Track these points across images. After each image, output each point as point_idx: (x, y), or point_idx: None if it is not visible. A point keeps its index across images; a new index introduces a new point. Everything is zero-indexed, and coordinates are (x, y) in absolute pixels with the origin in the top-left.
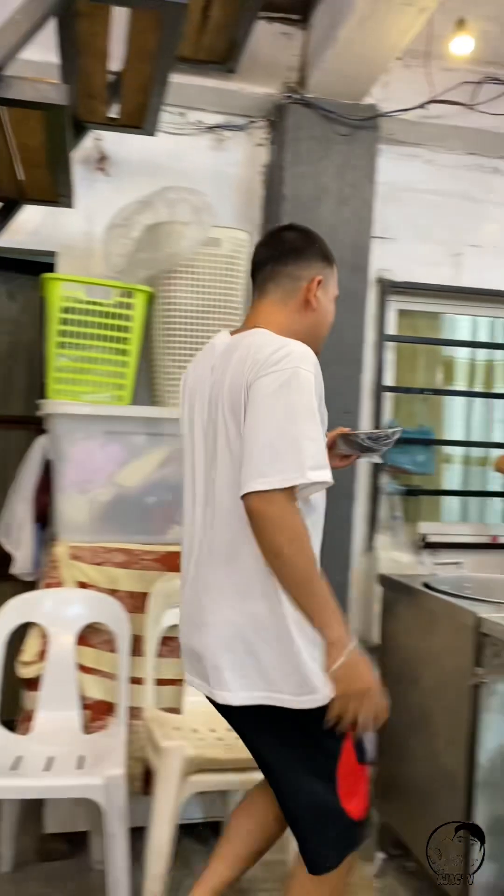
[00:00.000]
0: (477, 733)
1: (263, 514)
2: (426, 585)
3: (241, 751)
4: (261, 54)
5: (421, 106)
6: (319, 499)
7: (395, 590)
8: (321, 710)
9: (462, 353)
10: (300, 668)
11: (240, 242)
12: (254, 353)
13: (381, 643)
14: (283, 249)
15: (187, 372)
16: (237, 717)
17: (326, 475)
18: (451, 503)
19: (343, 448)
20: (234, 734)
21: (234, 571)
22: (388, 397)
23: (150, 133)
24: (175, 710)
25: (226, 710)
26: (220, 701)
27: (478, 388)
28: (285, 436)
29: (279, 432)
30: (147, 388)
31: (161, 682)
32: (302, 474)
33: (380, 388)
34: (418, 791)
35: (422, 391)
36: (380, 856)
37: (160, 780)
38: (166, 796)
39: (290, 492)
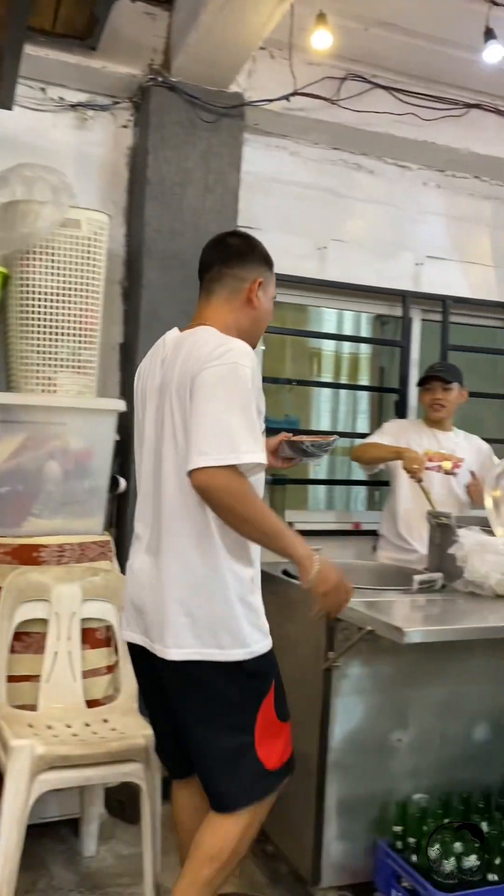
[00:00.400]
0: (329, 717)
1: (208, 486)
2: (285, 573)
3: (97, 745)
4: (124, 33)
5: (285, 98)
6: (257, 483)
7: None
8: (249, 664)
9: (328, 346)
10: (234, 626)
11: (100, 224)
12: (198, 348)
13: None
14: (228, 253)
15: (141, 366)
16: (171, 672)
17: (260, 457)
18: (319, 492)
19: (287, 452)
20: (92, 729)
21: (180, 539)
22: None
23: (7, 107)
24: (31, 708)
25: (161, 667)
26: (160, 655)
27: (343, 380)
28: (223, 422)
29: (218, 418)
30: (2, 372)
31: (14, 679)
32: (237, 456)
33: None
34: None
35: (289, 382)
36: None
37: (8, 779)
38: (15, 796)
39: (233, 469)
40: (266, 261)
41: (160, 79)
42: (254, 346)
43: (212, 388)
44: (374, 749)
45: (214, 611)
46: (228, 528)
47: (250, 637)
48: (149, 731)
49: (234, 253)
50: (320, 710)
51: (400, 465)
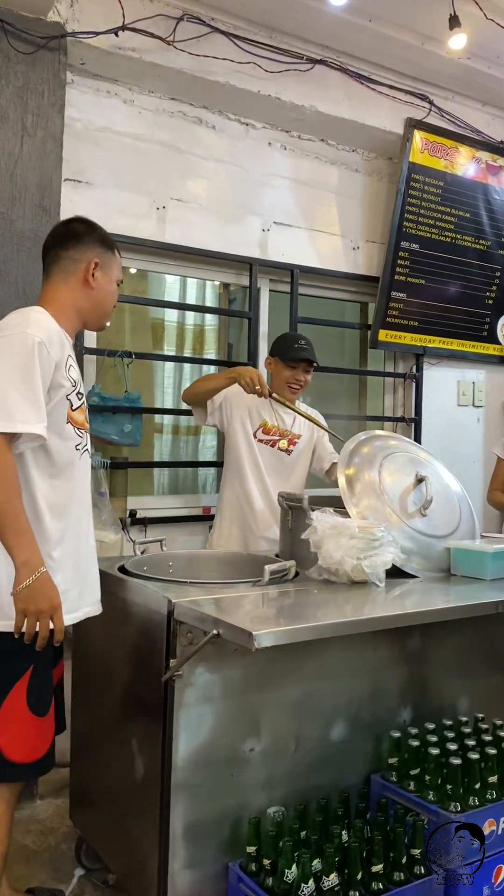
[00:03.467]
0: (172, 732)
1: None
2: (122, 570)
3: None
4: None
5: (113, 32)
6: (67, 455)
7: None
8: (8, 639)
9: (171, 316)
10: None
11: None
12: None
13: (72, 635)
14: (64, 236)
15: None
16: None
17: (36, 428)
18: (164, 475)
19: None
20: None
21: None
22: (91, 361)
23: None
24: None
25: None
26: None
27: (188, 354)
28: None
29: None
30: None
31: None
32: (11, 424)
33: (80, 351)
34: (114, 799)
35: (128, 355)
36: (77, 871)
37: None
38: None
39: (2, 438)
40: (105, 243)
41: None
42: (101, 328)
43: None
44: (223, 762)
45: None
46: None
47: (9, 610)
48: None
49: (70, 235)
50: (161, 727)
51: (235, 422)
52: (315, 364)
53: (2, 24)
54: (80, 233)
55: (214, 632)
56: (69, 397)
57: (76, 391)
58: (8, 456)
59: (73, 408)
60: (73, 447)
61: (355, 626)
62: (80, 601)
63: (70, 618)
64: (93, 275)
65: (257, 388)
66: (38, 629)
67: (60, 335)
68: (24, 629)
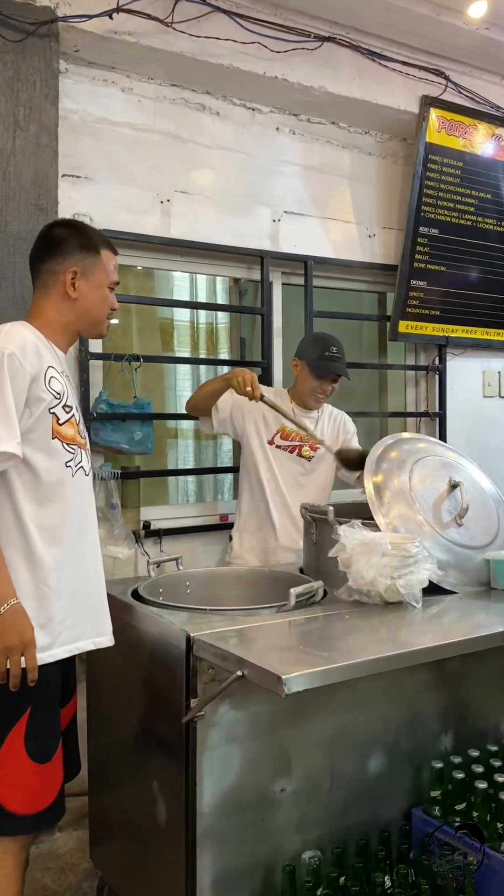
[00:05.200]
0: (196, 777)
1: None
2: (136, 595)
3: None
4: None
5: (107, 14)
6: (56, 474)
7: None
8: None
9: (181, 316)
10: None
11: None
12: None
13: (85, 663)
14: (42, 247)
15: None
16: None
17: (8, 446)
18: (179, 483)
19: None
20: None
21: None
22: (97, 366)
23: None
24: None
25: None
26: None
27: (201, 354)
28: None
29: None
30: None
31: None
32: None
33: (85, 356)
34: (136, 842)
35: (136, 358)
36: None
37: None
38: None
39: None
40: (85, 247)
41: None
42: (99, 335)
43: None
44: (252, 806)
45: None
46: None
47: None
48: None
49: (45, 247)
50: (184, 770)
51: (249, 428)
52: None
53: None
54: (57, 240)
55: (238, 673)
56: (53, 411)
57: (61, 404)
58: None
59: (60, 422)
60: (63, 464)
61: (396, 661)
62: (78, 632)
63: (66, 649)
64: (73, 285)
65: (248, 389)
66: (8, 666)
67: (38, 346)
68: None
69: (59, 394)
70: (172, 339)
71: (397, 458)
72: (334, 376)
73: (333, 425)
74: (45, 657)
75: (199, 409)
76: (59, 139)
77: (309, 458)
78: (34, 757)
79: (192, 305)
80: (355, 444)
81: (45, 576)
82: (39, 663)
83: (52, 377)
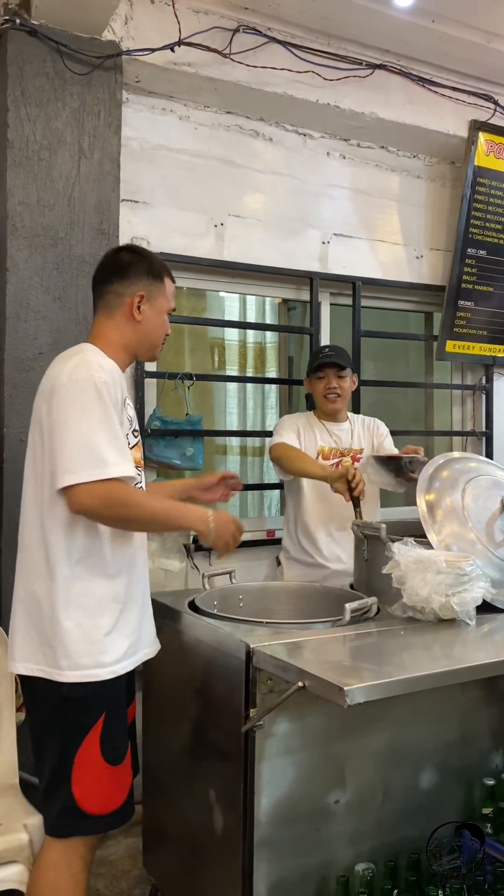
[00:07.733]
0: (254, 786)
1: (82, 507)
2: (192, 606)
3: None
4: None
5: (169, 48)
6: None
7: (160, 613)
8: (72, 690)
9: (231, 335)
10: (65, 645)
11: None
12: (53, 368)
13: (142, 672)
14: (109, 269)
15: None
16: (25, 686)
17: (127, 469)
18: (232, 499)
19: (372, 471)
20: None
21: (26, 556)
22: (151, 384)
23: None
24: None
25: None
26: (10, 670)
27: (249, 373)
28: (84, 437)
29: (79, 434)
30: None
31: None
32: (103, 471)
33: (140, 375)
34: (191, 850)
35: (189, 377)
36: None
37: None
38: None
39: (107, 482)
40: (152, 273)
41: (18, 21)
42: (152, 358)
43: (69, 405)
44: (308, 817)
45: (48, 627)
46: (78, 542)
47: (78, 660)
48: (35, 817)
49: (113, 269)
50: (242, 779)
51: None
52: (343, 367)
53: (56, 45)
54: (125, 265)
55: (300, 684)
56: (126, 436)
57: (132, 429)
58: (125, 488)
59: (130, 446)
60: (134, 486)
61: (452, 676)
62: (145, 640)
63: (139, 657)
64: (138, 308)
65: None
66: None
67: (116, 375)
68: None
69: (131, 419)
70: (224, 359)
71: (449, 476)
72: (336, 370)
73: (366, 431)
74: (125, 665)
75: (285, 473)
76: (120, 166)
77: None
78: (108, 759)
79: (243, 326)
80: (388, 444)
81: (120, 587)
82: (120, 672)
83: (128, 404)
